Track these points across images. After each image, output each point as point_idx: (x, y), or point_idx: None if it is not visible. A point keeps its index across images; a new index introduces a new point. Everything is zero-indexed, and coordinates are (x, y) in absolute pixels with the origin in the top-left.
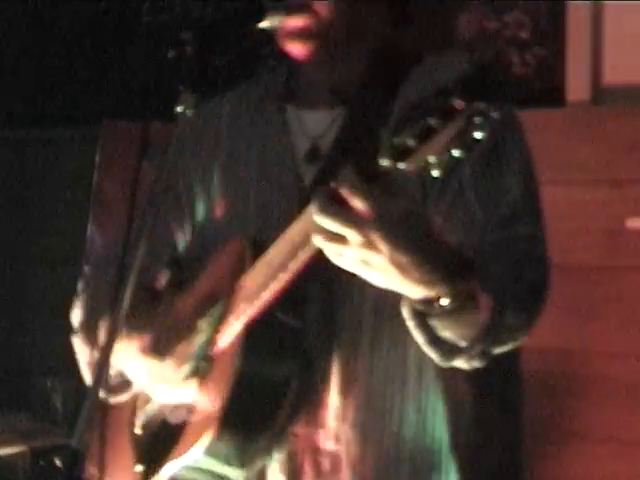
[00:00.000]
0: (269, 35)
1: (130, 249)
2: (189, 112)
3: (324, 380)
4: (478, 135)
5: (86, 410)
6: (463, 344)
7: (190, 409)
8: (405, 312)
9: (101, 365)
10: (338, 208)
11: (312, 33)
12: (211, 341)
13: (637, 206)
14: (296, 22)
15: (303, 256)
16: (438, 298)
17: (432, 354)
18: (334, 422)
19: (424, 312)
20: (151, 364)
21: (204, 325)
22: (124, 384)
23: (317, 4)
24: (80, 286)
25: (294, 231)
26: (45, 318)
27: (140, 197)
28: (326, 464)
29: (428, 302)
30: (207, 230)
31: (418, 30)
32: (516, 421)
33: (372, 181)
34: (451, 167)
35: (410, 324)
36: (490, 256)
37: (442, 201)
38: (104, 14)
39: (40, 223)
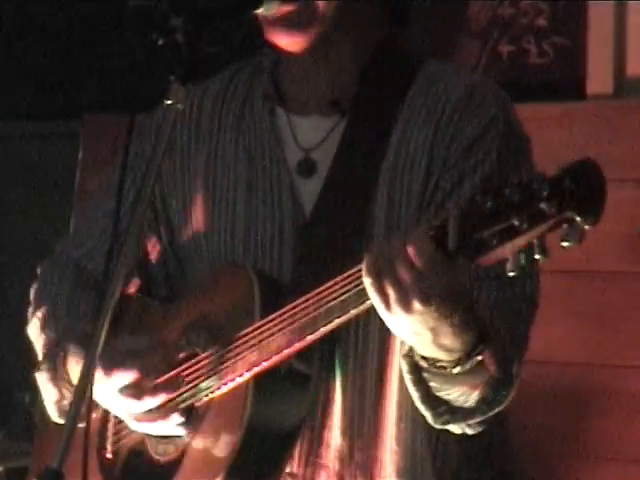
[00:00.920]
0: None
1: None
2: (179, 105)
3: (327, 420)
4: (564, 244)
5: (66, 430)
6: (460, 404)
7: (180, 448)
8: (405, 364)
9: (84, 381)
10: (391, 270)
11: (304, 21)
12: (210, 392)
13: None
14: (288, 7)
15: (342, 318)
16: (453, 364)
17: (426, 412)
18: (337, 463)
19: (426, 369)
20: (133, 407)
21: (203, 379)
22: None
23: None
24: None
25: (335, 291)
26: (24, 330)
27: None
28: None
29: (436, 363)
30: (185, 240)
31: (431, 18)
32: (505, 455)
33: (441, 251)
34: (453, 183)
35: (408, 377)
36: (496, 309)
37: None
38: None
39: (19, 225)
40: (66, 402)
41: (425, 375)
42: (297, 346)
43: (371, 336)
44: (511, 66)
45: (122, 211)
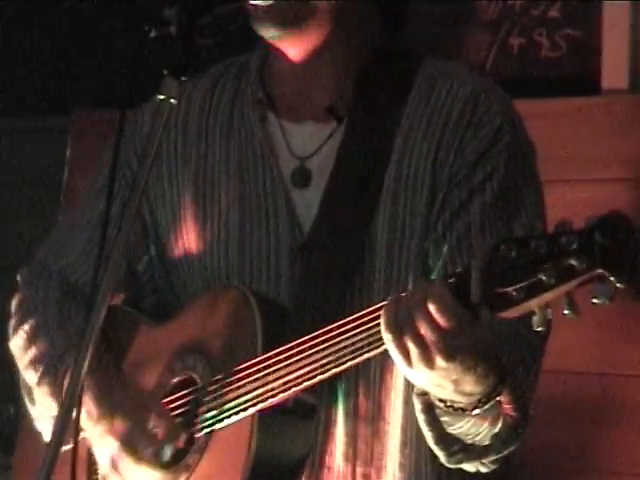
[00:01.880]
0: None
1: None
2: (172, 100)
3: (328, 444)
4: (595, 301)
5: (51, 449)
6: (473, 440)
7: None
8: (419, 404)
9: (69, 399)
10: (412, 326)
11: (298, 17)
12: (212, 424)
13: None
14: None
15: (354, 362)
16: (472, 407)
17: (439, 452)
18: None
19: (443, 410)
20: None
21: (205, 411)
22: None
23: None
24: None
25: (348, 334)
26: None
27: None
28: None
29: (453, 405)
30: (176, 255)
31: (439, 10)
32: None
33: (463, 305)
34: (462, 201)
35: (422, 417)
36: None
37: (445, 242)
38: None
39: (5, 223)
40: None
41: (437, 411)
42: (306, 385)
43: (373, 360)
44: (522, 60)
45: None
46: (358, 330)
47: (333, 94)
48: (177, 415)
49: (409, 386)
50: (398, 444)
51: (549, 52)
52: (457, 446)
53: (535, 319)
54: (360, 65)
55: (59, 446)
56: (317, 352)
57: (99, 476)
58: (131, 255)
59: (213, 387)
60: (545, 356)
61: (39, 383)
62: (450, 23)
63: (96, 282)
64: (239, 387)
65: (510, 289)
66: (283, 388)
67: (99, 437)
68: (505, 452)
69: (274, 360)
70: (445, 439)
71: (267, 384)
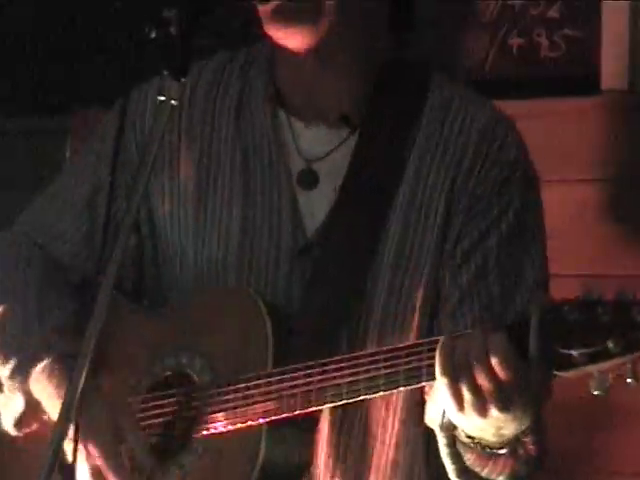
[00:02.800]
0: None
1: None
2: (173, 101)
3: (313, 457)
4: None
5: (53, 446)
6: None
7: None
8: (444, 438)
9: (72, 391)
10: (469, 375)
11: (308, 15)
12: (212, 427)
13: None
14: None
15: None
16: (500, 446)
17: None
18: None
19: (468, 446)
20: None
21: (206, 413)
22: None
23: None
24: None
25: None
26: None
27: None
28: None
29: (481, 442)
30: (170, 243)
31: (438, 10)
32: None
33: (521, 359)
34: (480, 234)
35: (446, 451)
36: None
37: (463, 273)
38: None
39: (5, 225)
40: (28, 415)
41: (461, 450)
42: (326, 405)
43: None
44: (521, 60)
45: (100, 201)
46: (394, 362)
47: (347, 101)
48: (158, 425)
49: (409, 405)
50: (390, 462)
51: (549, 52)
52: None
53: (592, 383)
54: (372, 72)
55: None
56: (342, 376)
57: None
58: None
59: (216, 391)
60: None
61: (11, 377)
62: (449, 24)
63: (100, 270)
64: (247, 397)
65: (575, 352)
66: (298, 407)
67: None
68: None
69: (290, 376)
70: (466, 472)
71: (282, 398)
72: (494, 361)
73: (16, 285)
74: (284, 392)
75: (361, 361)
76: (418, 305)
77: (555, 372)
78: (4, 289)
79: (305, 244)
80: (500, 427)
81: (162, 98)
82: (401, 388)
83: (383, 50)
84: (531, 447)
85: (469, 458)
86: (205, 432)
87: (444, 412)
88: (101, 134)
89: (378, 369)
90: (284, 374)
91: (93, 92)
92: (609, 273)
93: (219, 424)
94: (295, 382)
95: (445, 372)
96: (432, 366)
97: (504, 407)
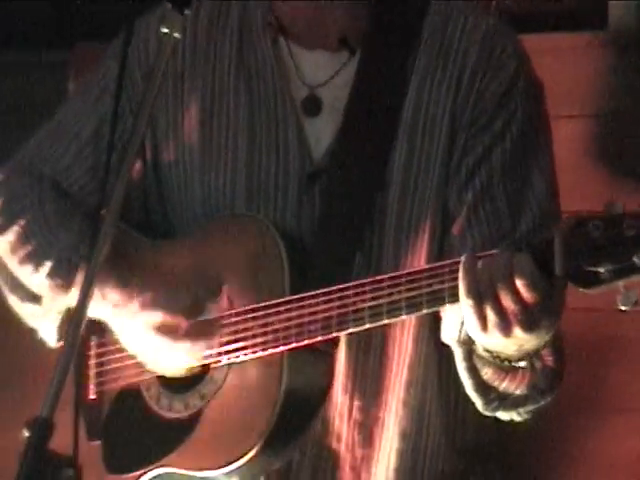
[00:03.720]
0: None
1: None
2: (176, 34)
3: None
4: None
5: (57, 376)
6: (512, 391)
7: (192, 410)
8: (461, 352)
9: (75, 327)
10: (494, 296)
11: None
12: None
13: None
14: None
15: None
16: (519, 359)
17: (477, 400)
18: (337, 419)
19: (486, 360)
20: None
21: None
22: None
23: None
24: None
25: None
26: None
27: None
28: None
29: (500, 355)
30: (174, 171)
31: None
32: None
33: (546, 282)
34: (484, 149)
35: (463, 365)
36: None
37: (469, 190)
38: None
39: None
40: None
41: (478, 364)
42: (347, 332)
43: None
44: None
45: (104, 133)
46: (415, 285)
47: (346, 25)
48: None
49: (421, 324)
50: (403, 382)
51: None
52: (494, 394)
53: (620, 298)
54: None
55: (65, 374)
56: (363, 300)
57: (92, 391)
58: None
59: (235, 319)
60: None
61: (50, 275)
62: None
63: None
64: (267, 324)
65: (602, 269)
66: (319, 333)
67: (133, 316)
68: (542, 402)
69: (310, 302)
70: (483, 386)
71: (302, 325)
72: (519, 283)
73: (33, 204)
74: (305, 319)
75: (382, 284)
76: (429, 223)
77: (582, 289)
78: (22, 208)
79: (313, 170)
80: (522, 345)
81: (165, 30)
82: (424, 311)
83: None
84: (549, 359)
85: (486, 372)
86: (226, 361)
87: (462, 326)
88: (104, 66)
89: (400, 292)
90: (303, 300)
91: (95, 25)
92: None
93: (239, 353)
94: (315, 308)
95: (470, 294)
96: (455, 288)
97: (529, 328)
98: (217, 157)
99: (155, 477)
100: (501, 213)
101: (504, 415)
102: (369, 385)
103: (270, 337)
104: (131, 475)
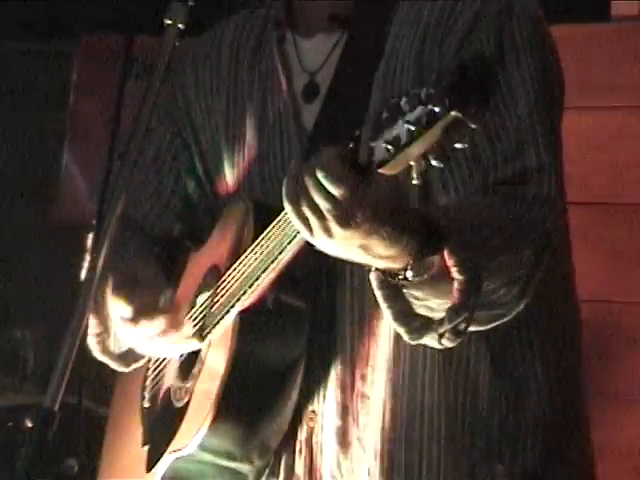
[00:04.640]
0: None
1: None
2: (180, 25)
3: (330, 352)
4: (458, 145)
5: (60, 365)
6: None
7: (189, 392)
8: (374, 282)
9: (79, 317)
10: (308, 196)
11: None
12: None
13: None
14: None
15: (292, 248)
16: (404, 269)
17: (400, 329)
18: (340, 393)
19: (395, 284)
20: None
21: (206, 318)
22: (134, 352)
23: None
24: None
25: (283, 220)
26: (14, 260)
27: (124, 121)
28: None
29: (395, 274)
30: (213, 177)
31: None
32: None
33: (351, 172)
34: None
35: (378, 294)
36: (485, 209)
37: None
38: None
39: (10, 148)
40: (107, 336)
41: (404, 291)
42: (265, 276)
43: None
44: None
45: (155, 154)
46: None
47: (336, 1)
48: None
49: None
50: (392, 341)
51: None
52: (417, 322)
53: (412, 172)
54: None
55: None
56: (257, 255)
57: (146, 400)
58: (186, 189)
59: (213, 297)
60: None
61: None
62: None
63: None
64: (225, 290)
65: (382, 144)
66: (245, 287)
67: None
68: (458, 321)
69: (245, 260)
70: (404, 315)
71: (238, 287)
72: (320, 176)
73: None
74: (234, 280)
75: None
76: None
77: (378, 169)
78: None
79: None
80: (364, 246)
81: (169, 22)
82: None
83: None
84: (454, 270)
85: (407, 293)
86: (205, 337)
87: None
88: (159, 130)
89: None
90: (242, 259)
91: (100, 15)
92: (621, 201)
93: (212, 326)
94: (246, 264)
95: (287, 197)
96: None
97: (344, 222)
98: (238, 157)
99: (170, 467)
100: (478, 147)
101: (430, 341)
102: (365, 351)
103: (226, 302)
104: (151, 472)
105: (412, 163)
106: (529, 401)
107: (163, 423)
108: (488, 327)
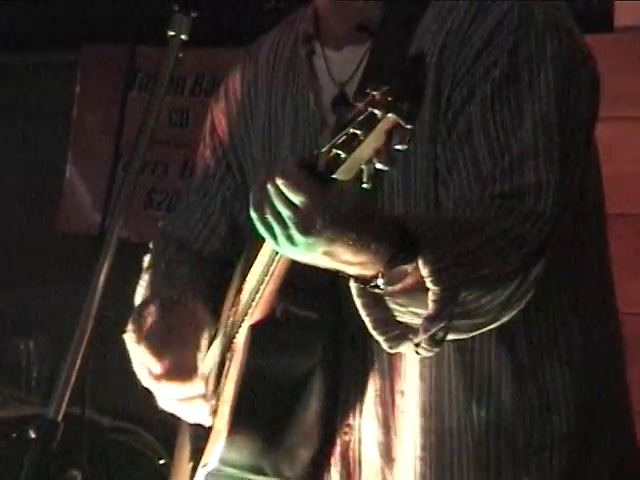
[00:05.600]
0: None
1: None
2: (183, 36)
3: (368, 365)
4: (398, 147)
5: (63, 376)
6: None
7: (216, 408)
8: (353, 290)
9: (83, 328)
10: (271, 205)
11: None
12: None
13: None
14: None
15: (279, 259)
16: (376, 277)
17: (379, 338)
18: (380, 409)
19: (374, 291)
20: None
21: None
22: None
23: None
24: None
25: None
26: (18, 271)
27: (127, 132)
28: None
29: (368, 281)
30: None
31: None
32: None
33: (309, 179)
34: (463, 99)
35: (357, 302)
36: (475, 220)
37: (452, 141)
38: None
39: (13, 160)
40: None
41: (387, 299)
42: (264, 288)
43: None
44: None
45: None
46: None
47: (365, 14)
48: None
49: None
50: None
51: None
52: (396, 331)
53: (363, 177)
54: None
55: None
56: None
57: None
58: (232, 212)
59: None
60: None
61: (126, 331)
62: None
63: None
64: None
65: (333, 150)
66: (249, 302)
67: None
68: (434, 329)
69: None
70: (383, 323)
71: (248, 299)
72: (280, 183)
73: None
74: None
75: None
76: (422, 176)
77: (329, 174)
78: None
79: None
80: (329, 253)
81: (172, 33)
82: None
83: None
84: (428, 280)
85: (389, 301)
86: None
87: None
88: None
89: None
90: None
91: (102, 27)
92: (622, 212)
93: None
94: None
95: (253, 206)
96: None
97: (304, 230)
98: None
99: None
100: (481, 162)
101: (407, 349)
102: (402, 365)
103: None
104: None
105: (363, 167)
106: (555, 412)
107: (201, 439)
108: (470, 335)
